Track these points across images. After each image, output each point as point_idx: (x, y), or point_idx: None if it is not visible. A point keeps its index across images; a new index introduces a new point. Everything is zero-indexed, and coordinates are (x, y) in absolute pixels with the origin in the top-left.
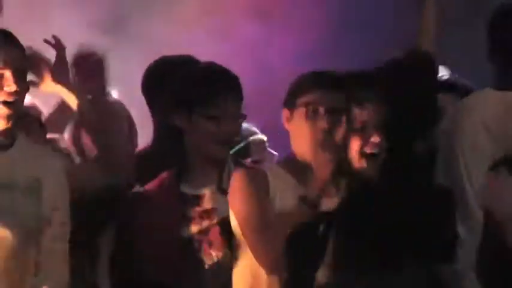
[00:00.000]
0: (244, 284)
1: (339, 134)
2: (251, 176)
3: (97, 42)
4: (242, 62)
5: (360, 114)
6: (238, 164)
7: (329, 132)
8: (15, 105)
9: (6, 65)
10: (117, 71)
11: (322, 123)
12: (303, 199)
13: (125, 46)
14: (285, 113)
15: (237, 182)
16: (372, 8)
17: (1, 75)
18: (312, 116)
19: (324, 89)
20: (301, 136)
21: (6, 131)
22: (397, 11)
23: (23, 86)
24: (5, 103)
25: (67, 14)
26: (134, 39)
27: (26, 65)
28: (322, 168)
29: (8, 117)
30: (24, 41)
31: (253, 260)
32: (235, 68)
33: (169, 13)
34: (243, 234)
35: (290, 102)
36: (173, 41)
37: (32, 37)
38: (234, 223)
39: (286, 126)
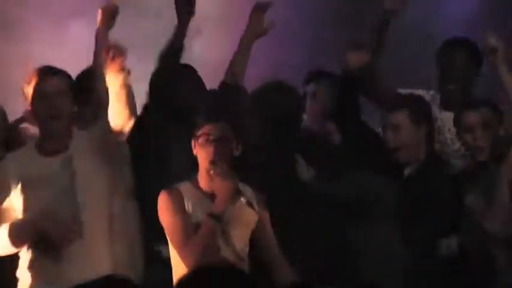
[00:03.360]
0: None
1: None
2: (170, 196)
3: None
4: None
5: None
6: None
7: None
8: None
9: None
10: None
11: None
12: (210, 214)
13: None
14: (193, 142)
15: (160, 202)
16: None
17: None
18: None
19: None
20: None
21: None
22: None
23: None
24: None
25: None
26: None
27: None
28: (220, 192)
29: None
30: None
31: None
32: None
33: None
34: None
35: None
36: None
37: None
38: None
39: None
